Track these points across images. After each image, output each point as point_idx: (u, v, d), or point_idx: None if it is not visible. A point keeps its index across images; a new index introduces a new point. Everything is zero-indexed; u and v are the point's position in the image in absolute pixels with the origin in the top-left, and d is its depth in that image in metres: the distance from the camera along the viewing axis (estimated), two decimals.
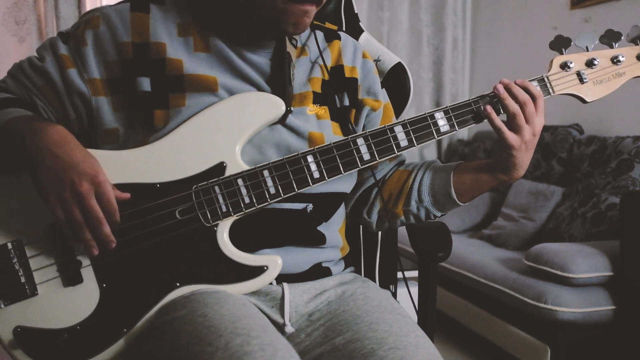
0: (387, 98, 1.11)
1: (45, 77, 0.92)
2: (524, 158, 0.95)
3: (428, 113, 0.96)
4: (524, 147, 0.94)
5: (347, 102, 1.03)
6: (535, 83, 0.98)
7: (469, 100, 0.97)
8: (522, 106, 0.93)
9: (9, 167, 0.90)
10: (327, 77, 1.01)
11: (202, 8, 0.96)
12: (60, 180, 0.81)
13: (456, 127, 0.96)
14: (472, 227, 3.10)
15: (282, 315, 0.93)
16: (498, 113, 0.96)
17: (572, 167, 2.77)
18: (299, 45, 1.01)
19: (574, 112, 2.86)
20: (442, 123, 0.96)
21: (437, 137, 0.96)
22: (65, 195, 0.81)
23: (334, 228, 1.02)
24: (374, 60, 1.28)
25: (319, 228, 0.98)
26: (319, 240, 0.99)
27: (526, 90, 0.95)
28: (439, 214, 1.06)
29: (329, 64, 1.03)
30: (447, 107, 0.96)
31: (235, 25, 0.95)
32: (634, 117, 2.67)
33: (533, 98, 0.94)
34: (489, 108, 0.95)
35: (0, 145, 0.88)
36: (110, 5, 0.96)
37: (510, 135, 0.93)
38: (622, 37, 1.02)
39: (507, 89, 0.95)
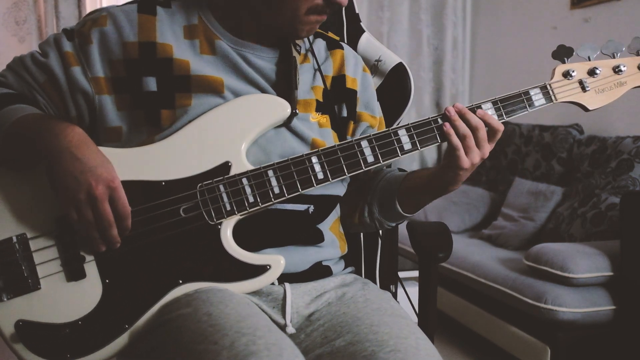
0: (381, 112, 1.14)
1: (49, 74, 0.92)
2: (465, 177, 0.97)
3: (432, 117, 0.96)
4: (470, 168, 0.95)
5: (345, 114, 1.04)
6: (537, 91, 0.99)
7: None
8: (473, 131, 0.93)
9: (19, 165, 0.90)
10: (328, 86, 1.02)
11: (211, 12, 0.96)
12: (77, 181, 0.82)
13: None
14: (472, 227, 3.09)
15: (284, 316, 0.93)
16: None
17: (572, 167, 2.77)
18: (302, 52, 1.02)
19: (574, 112, 2.84)
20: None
21: (441, 141, 0.96)
22: (81, 196, 0.82)
23: (327, 226, 1.03)
24: (375, 61, 1.29)
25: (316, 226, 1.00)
26: (317, 238, 0.99)
27: (484, 120, 0.94)
28: (392, 224, 1.10)
29: (332, 72, 1.04)
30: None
31: (243, 30, 0.96)
32: (634, 117, 2.67)
33: (489, 128, 0.94)
34: (447, 125, 0.94)
35: (13, 143, 0.88)
36: (117, 6, 0.96)
37: (463, 156, 0.93)
38: (624, 48, 1.03)
39: (461, 114, 0.94)
